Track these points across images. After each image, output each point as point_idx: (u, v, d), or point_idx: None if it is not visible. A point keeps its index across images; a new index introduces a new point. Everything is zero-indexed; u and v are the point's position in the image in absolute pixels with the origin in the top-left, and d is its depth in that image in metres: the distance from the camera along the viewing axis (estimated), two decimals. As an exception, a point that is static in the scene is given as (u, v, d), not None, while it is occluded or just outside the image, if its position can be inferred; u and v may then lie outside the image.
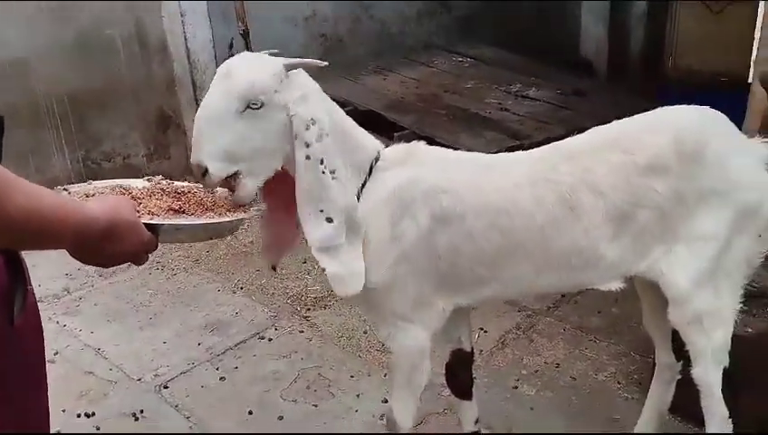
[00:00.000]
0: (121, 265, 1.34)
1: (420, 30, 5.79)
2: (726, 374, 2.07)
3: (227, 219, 1.60)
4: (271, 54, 1.78)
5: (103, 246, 1.22)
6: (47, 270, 3.84)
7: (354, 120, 1.96)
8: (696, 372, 2.02)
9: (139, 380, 3.00)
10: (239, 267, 3.84)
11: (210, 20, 4.47)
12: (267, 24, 4.83)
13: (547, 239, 1.85)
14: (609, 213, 1.83)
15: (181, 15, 4.37)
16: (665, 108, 1.95)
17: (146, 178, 1.69)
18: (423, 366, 2.02)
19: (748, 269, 1.95)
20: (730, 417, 2.06)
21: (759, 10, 4.80)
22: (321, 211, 1.71)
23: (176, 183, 1.68)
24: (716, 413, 2.04)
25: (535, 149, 1.94)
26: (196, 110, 1.69)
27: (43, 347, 1.32)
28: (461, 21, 5.98)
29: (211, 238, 1.82)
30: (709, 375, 2.00)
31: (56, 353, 3.16)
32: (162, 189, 1.58)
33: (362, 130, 1.88)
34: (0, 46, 4.05)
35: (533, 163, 1.89)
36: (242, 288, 3.65)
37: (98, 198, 1.41)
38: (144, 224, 1.32)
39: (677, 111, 1.93)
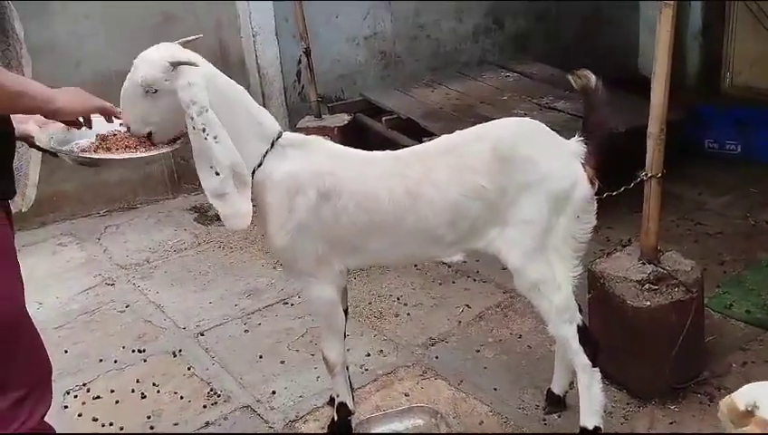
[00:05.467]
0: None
1: (475, 47, 6.25)
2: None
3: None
4: (186, 42, 2.29)
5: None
6: (135, 244, 4.74)
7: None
8: (550, 330, 2.47)
9: (184, 328, 3.74)
10: (284, 249, 4.52)
11: (278, 39, 5.21)
12: (332, 43, 5.54)
13: (398, 221, 2.35)
14: (446, 202, 2.31)
15: (253, 36, 5.13)
16: (493, 121, 2.44)
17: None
18: (336, 313, 2.56)
19: (576, 243, 2.38)
20: (595, 367, 2.45)
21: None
22: (211, 167, 2.18)
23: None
24: (579, 363, 2.46)
25: (399, 150, 2.46)
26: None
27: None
28: (515, 38, 6.43)
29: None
30: (560, 331, 2.44)
31: (127, 306, 3.98)
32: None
33: (264, 110, 2.37)
34: (108, 60, 4.92)
35: (394, 161, 2.40)
36: (280, 264, 4.32)
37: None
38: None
39: (499, 122, 2.42)
